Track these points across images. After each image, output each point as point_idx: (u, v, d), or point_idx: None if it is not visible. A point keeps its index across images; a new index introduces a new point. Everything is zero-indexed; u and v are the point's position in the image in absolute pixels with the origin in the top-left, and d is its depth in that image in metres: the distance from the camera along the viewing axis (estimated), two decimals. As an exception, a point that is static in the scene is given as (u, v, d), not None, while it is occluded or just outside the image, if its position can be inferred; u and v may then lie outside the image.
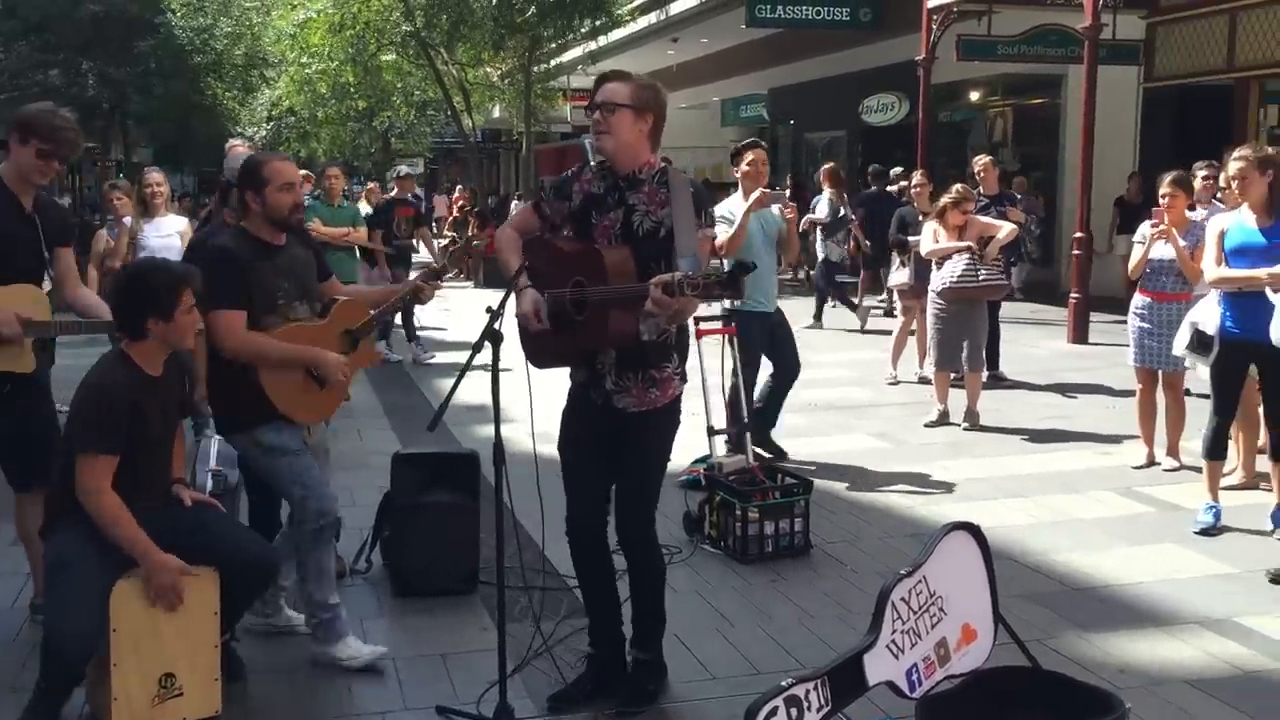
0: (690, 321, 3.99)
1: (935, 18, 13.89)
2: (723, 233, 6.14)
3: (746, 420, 5.99)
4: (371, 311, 4.22)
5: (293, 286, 4.02)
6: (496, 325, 3.41)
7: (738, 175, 6.61)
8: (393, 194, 12.20)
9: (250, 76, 24.40)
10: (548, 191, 3.93)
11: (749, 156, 6.56)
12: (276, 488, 4.12)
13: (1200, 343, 5.71)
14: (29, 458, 4.24)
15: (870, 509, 5.97)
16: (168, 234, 7.43)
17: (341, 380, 4.03)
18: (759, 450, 6.39)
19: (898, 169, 14.14)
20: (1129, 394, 8.94)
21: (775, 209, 6.59)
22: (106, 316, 4.42)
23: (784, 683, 2.89)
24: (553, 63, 23.98)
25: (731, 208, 6.41)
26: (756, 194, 6.33)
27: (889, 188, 13.35)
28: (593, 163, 3.48)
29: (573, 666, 3.97)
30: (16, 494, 4.36)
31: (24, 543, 4.36)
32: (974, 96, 18.39)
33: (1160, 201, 6.28)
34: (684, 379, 3.72)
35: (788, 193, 6.40)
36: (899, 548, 5.27)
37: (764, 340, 6.60)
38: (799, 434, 7.54)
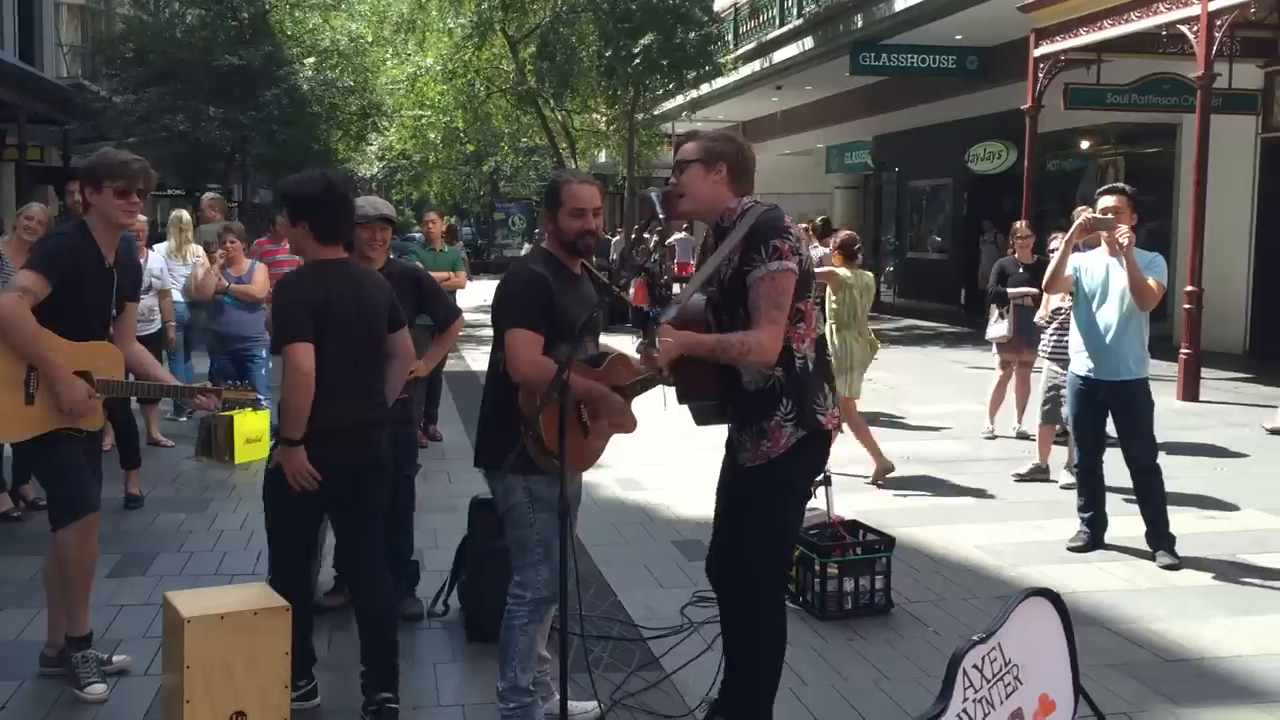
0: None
1: (1042, 66, 13.67)
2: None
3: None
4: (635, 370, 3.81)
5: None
6: (565, 376, 3.30)
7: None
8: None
9: (363, 125, 25.24)
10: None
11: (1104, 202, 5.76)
12: (516, 544, 3.74)
13: None
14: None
15: (957, 568, 5.81)
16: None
17: (621, 425, 3.78)
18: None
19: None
20: (1240, 455, 8.63)
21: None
22: (166, 378, 4.53)
23: (845, 749, 2.83)
24: (657, 110, 24.25)
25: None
26: (1079, 220, 5.75)
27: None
28: (660, 215, 3.48)
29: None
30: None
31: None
32: (1085, 145, 17.97)
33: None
34: (800, 424, 3.39)
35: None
36: (985, 610, 5.10)
37: (1086, 410, 6.01)
38: (889, 486, 7.40)
